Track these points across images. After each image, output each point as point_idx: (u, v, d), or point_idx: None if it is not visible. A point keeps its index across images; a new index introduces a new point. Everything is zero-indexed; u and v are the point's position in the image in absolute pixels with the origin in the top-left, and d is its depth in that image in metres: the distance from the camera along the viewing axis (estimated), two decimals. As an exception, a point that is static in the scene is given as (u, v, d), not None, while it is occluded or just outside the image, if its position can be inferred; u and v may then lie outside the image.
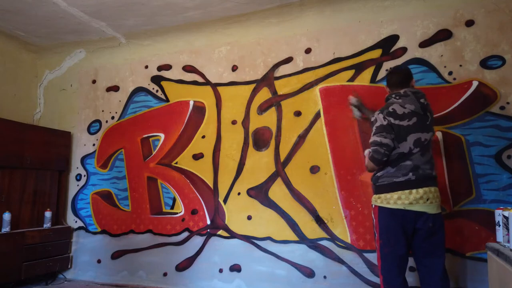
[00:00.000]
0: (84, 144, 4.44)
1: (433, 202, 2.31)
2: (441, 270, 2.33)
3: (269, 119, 3.67)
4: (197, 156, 3.89)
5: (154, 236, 3.95)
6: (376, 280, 3.11)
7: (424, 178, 2.31)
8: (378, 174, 2.42)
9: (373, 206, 2.47)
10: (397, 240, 2.32)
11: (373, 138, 2.39)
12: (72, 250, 4.30)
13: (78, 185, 4.41)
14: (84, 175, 4.39)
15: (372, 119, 2.46)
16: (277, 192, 3.54)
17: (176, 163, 3.97)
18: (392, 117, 2.34)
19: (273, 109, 3.67)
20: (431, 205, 2.30)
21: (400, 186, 2.31)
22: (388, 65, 3.29)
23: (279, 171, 3.56)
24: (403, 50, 3.27)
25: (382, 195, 2.38)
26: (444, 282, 2.32)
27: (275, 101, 3.67)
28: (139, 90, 4.26)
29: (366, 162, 2.50)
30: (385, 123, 2.35)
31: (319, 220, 3.36)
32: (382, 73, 3.31)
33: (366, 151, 2.51)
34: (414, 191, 2.29)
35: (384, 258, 2.36)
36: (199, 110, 3.95)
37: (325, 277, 3.25)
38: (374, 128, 2.42)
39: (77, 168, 4.44)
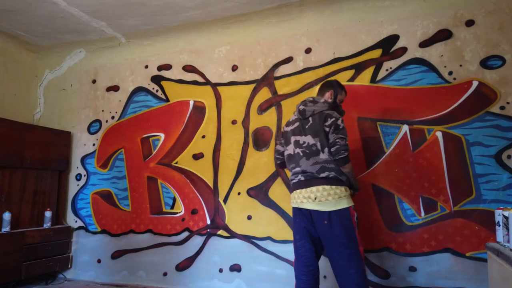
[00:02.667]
0: (84, 144, 4.44)
1: (322, 200, 2.38)
2: (344, 265, 2.33)
3: (269, 119, 3.67)
4: (197, 156, 3.89)
5: (154, 236, 3.95)
6: (376, 280, 3.12)
7: (311, 179, 2.44)
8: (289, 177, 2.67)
9: None
10: (301, 235, 2.51)
11: None
12: (72, 250, 4.30)
13: (78, 185, 4.41)
14: (84, 175, 4.39)
15: None
16: (277, 192, 3.54)
17: (176, 163, 3.97)
18: (286, 125, 2.71)
19: (273, 109, 3.67)
20: (320, 203, 2.39)
21: (294, 187, 2.53)
22: (388, 65, 3.30)
23: (279, 171, 3.56)
24: (403, 50, 3.28)
25: (291, 195, 2.61)
26: (348, 279, 2.32)
27: (275, 101, 3.67)
28: (139, 90, 4.26)
29: None
30: (281, 132, 2.76)
31: (319, 220, 3.36)
32: (382, 73, 3.31)
33: None
34: (303, 190, 2.45)
35: (295, 252, 2.56)
36: (199, 110, 3.95)
37: (325, 277, 3.25)
38: None
39: (77, 168, 4.44)
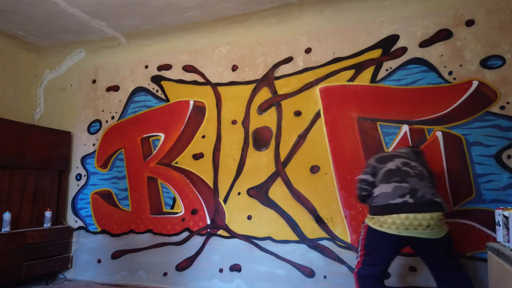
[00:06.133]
0: (84, 144, 4.44)
1: (434, 229, 2.12)
2: (459, 276, 2.27)
3: (269, 119, 3.67)
4: (197, 156, 3.89)
5: (154, 236, 3.95)
6: (376, 280, 3.11)
7: (425, 202, 2.14)
8: (375, 194, 2.33)
9: (365, 223, 2.35)
10: (383, 259, 2.26)
11: None
12: (72, 250, 4.30)
13: (78, 185, 4.41)
14: (84, 175, 4.39)
15: None
16: (277, 192, 3.54)
17: (176, 163, 3.97)
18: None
19: (273, 109, 3.67)
20: (433, 231, 2.12)
21: (396, 209, 2.15)
22: (388, 65, 3.30)
23: (279, 171, 3.56)
24: (403, 50, 3.27)
25: (376, 217, 2.22)
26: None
27: (275, 101, 3.67)
28: (139, 90, 4.26)
29: None
30: (368, 164, 2.65)
31: (319, 220, 3.36)
32: (382, 73, 3.31)
33: None
34: (411, 216, 2.10)
35: (363, 267, 2.31)
36: (199, 110, 3.95)
37: (325, 277, 3.25)
38: None
39: (77, 168, 4.44)
